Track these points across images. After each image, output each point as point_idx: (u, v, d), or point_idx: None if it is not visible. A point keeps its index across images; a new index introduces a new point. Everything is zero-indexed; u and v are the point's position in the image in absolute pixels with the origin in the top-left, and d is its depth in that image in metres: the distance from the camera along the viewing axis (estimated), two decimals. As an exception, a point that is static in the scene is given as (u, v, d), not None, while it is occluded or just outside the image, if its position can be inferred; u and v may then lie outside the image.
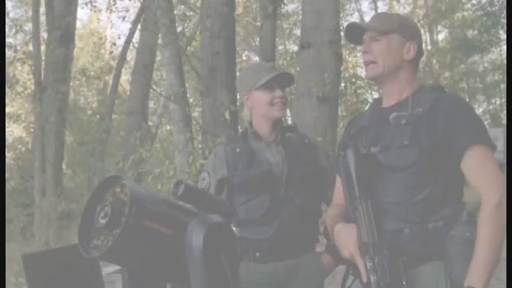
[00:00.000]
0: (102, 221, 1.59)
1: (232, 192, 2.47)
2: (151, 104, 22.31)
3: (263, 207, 2.43)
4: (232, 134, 2.69)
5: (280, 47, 21.73)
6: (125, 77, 21.52)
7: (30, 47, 13.38)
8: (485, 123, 22.17)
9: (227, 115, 7.09)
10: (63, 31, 11.86)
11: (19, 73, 15.05)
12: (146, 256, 1.65)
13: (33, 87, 13.05)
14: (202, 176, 2.58)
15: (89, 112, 18.46)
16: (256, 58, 25.59)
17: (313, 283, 2.50)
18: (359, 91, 13.99)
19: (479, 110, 28.61)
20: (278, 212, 2.42)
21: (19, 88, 13.44)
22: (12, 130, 16.98)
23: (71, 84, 15.53)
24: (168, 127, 21.99)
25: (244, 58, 23.67)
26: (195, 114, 14.76)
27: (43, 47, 13.06)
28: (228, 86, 7.81)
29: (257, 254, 2.44)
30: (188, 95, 20.04)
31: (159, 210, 1.67)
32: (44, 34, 13.68)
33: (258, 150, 2.51)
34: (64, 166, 14.87)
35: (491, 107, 28.00)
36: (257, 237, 2.41)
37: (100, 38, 16.07)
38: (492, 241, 1.86)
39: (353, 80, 10.71)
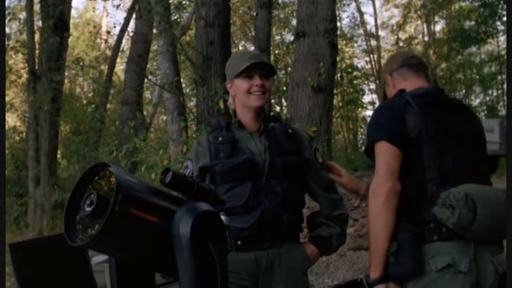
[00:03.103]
0: (88, 209, 1.55)
1: (214, 181, 2.44)
2: (148, 94, 22.26)
3: (245, 196, 2.41)
4: (216, 123, 2.64)
5: (277, 37, 21.68)
6: (121, 66, 21.45)
7: (24, 36, 13.28)
8: (482, 114, 22.25)
9: (221, 104, 7.04)
10: (57, 20, 11.77)
11: (13, 62, 14.95)
12: (133, 245, 1.62)
13: (27, 76, 12.98)
14: (186, 164, 2.59)
15: (84, 101, 18.39)
16: (252, 48, 25.52)
17: (295, 273, 2.48)
18: (355, 82, 13.95)
19: (475, 102, 28.66)
20: (260, 201, 2.41)
21: (12, 77, 13.36)
22: (6, 120, 16.92)
23: (66, 73, 15.46)
24: (164, 118, 21.98)
25: (240, 48, 23.63)
26: (192, 104, 14.71)
27: (38, 36, 12.98)
28: (222, 75, 7.66)
29: (239, 242, 2.42)
30: (184, 85, 20.09)
31: (146, 198, 1.64)
32: (39, 23, 13.57)
33: (241, 139, 2.51)
34: (58, 156, 14.82)
35: (487, 98, 28.02)
36: (238, 225, 2.38)
37: (95, 27, 15.94)
38: (371, 230, 2.22)
39: (349, 70, 10.64)
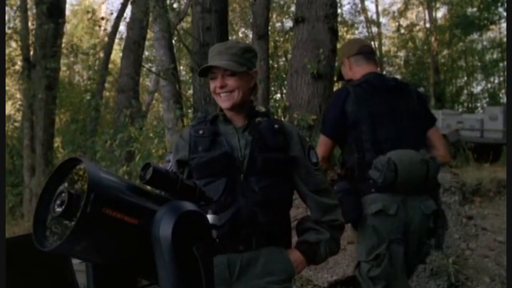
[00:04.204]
0: (58, 209, 1.41)
1: (191, 176, 2.30)
2: (147, 82, 22.12)
3: (218, 192, 2.24)
4: (202, 116, 2.47)
5: (277, 24, 21.48)
6: (120, 54, 21.33)
7: (18, 23, 13.10)
8: (484, 101, 22.17)
9: (218, 92, 6.83)
10: (51, 5, 11.55)
11: (7, 49, 14.75)
12: (109, 249, 1.48)
13: (21, 64, 12.82)
14: (167, 158, 2.46)
15: (82, 89, 18.23)
16: (251, 35, 25.33)
17: (274, 279, 2.25)
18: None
19: (477, 89, 28.63)
20: (235, 199, 2.24)
21: (6, 65, 13.17)
22: (2, 108, 16.76)
23: (65, 61, 15.27)
24: (159, 105, 21.85)
25: (240, 35, 23.45)
26: (190, 92, 14.51)
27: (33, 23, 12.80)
28: None
29: None
30: (184, 72, 19.90)
31: (123, 196, 1.50)
32: (34, 10, 13.36)
33: (225, 133, 2.35)
34: (55, 145, 14.71)
35: (489, 85, 28.04)
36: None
37: (88, 12, 15.70)
38: None
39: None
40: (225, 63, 2.29)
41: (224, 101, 2.32)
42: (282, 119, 6.97)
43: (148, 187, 1.74)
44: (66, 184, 1.54)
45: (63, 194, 1.41)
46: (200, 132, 2.36)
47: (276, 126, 2.36)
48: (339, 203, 2.46)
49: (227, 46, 2.36)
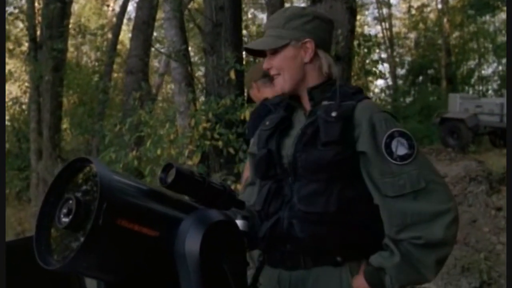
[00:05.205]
0: (65, 219, 1.27)
1: None
2: (156, 63, 21.87)
3: (261, 199, 1.92)
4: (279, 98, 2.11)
5: (295, 4, 21.10)
6: (129, 34, 21.09)
7: (24, 2, 12.85)
8: (495, 84, 21.94)
9: (232, 75, 6.57)
10: (58, -16, 11.30)
11: (12, 28, 14.51)
12: (124, 266, 1.32)
13: (27, 44, 12.60)
14: None
15: (89, 71, 18.00)
16: (261, 16, 25.00)
17: None
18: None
19: (488, 71, 28.33)
20: (280, 207, 1.87)
21: (11, 45, 12.96)
22: (8, 90, 16.59)
23: (73, 42, 15.02)
24: (169, 86, 21.62)
25: (250, 16, 23.12)
26: (199, 73, 14.26)
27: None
28: (233, 43, 7.34)
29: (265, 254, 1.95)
30: (192, 53, 19.61)
31: (140, 204, 1.33)
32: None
33: (298, 122, 1.95)
34: (64, 126, 14.53)
35: (500, 68, 27.72)
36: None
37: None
38: None
39: (367, 38, 10.13)
40: (259, 42, 1.95)
41: (275, 87, 1.97)
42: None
43: (169, 191, 1.52)
44: (73, 189, 1.37)
45: (71, 201, 1.25)
46: (267, 123, 2.01)
47: (333, 113, 1.80)
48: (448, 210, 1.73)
49: (272, 17, 1.99)
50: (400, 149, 1.75)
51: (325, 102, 1.88)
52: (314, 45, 1.90)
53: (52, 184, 1.38)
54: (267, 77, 3.27)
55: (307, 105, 1.94)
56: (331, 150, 1.77)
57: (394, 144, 1.75)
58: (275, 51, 1.90)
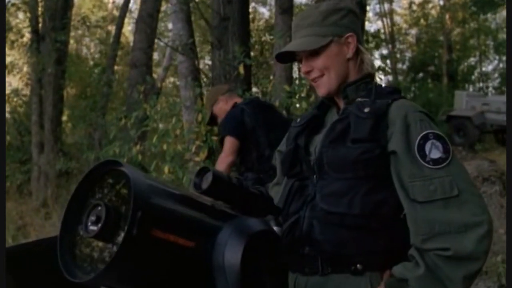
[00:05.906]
0: (93, 228, 1.19)
1: None
2: (155, 56, 21.72)
3: (283, 197, 1.81)
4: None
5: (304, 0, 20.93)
6: (128, 27, 20.94)
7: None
8: (496, 82, 22.05)
9: (240, 69, 6.46)
10: (60, -26, 11.18)
11: (14, 19, 14.37)
12: (157, 279, 1.22)
13: (29, 36, 12.46)
14: None
15: (91, 63, 17.86)
16: (262, 10, 24.84)
17: None
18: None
19: (488, 68, 28.32)
20: (301, 206, 1.74)
21: (13, 36, 12.81)
22: (10, 81, 16.46)
23: (72, 34, 14.89)
24: (172, 79, 21.47)
25: (250, 10, 22.97)
26: (203, 67, 14.12)
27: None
28: (241, 37, 7.22)
29: None
30: (198, 48, 19.51)
31: (175, 212, 1.25)
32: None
33: (327, 121, 1.85)
34: (65, 119, 14.41)
35: (501, 65, 27.74)
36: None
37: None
38: None
39: (375, 34, 10.00)
40: (297, 43, 1.79)
41: (318, 89, 1.82)
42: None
43: (202, 196, 1.43)
44: (101, 194, 1.28)
45: (99, 208, 1.18)
46: (298, 120, 1.91)
47: (365, 109, 1.69)
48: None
49: (303, 15, 1.85)
50: (434, 152, 1.61)
51: (359, 99, 1.76)
52: (356, 39, 1.80)
53: (77, 187, 1.28)
54: (230, 90, 4.39)
55: (341, 103, 1.84)
56: (359, 148, 1.65)
57: (428, 146, 1.62)
58: (315, 52, 1.77)
